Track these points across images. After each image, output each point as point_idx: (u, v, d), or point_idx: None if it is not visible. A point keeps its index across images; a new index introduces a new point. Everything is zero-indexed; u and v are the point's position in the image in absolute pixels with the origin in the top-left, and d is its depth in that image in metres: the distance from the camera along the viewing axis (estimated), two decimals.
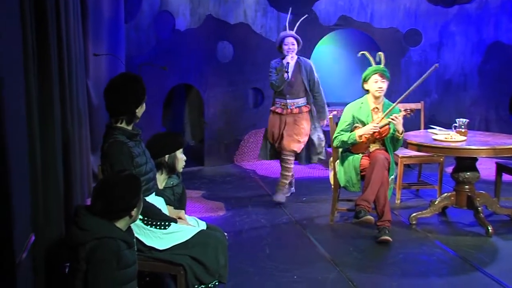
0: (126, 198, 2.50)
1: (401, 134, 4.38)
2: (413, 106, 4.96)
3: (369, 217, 4.28)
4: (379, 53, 4.56)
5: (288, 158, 5.28)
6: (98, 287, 2.39)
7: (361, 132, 4.40)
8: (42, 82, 2.73)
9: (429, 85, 7.32)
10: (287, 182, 5.36)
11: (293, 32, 5.19)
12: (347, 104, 4.65)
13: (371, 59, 4.54)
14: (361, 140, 4.41)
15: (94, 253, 2.40)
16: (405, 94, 4.40)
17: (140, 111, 2.98)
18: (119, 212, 2.51)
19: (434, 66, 4.43)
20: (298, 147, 5.29)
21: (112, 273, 2.41)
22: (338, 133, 4.50)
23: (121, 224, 2.52)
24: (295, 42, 5.15)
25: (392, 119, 4.31)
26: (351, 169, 4.46)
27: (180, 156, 3.39)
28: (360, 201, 4.32)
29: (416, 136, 4.77)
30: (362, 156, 4.47)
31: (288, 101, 5.22)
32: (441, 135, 4.62)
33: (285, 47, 5.14)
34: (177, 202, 3.41)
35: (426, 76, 4.43)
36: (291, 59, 5.10)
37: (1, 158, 1.87)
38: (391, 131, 4.42)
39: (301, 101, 5.24)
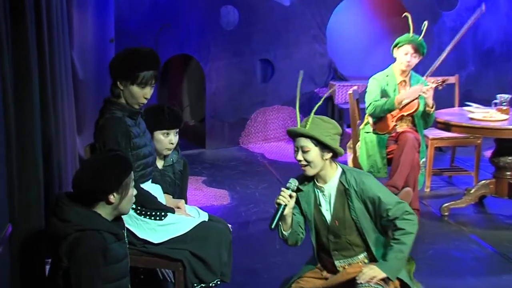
0: (104, 178, 2.45)
1: (432, 108, 4.37)
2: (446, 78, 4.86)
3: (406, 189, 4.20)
4: (425, 22, 4.51)
5: None
6: (82, 287, 2.39)
7: (403, 96, 4.35)
8: (17, 52, 2.71)
9: (465, 56, 7.23)
10: None
11: None
12: (369, 78, 4.62)
13: (411, 25, 4.48)
14: (399, 107, 4.36)
15: (76, 247, 2.39)
16: (442, 56, 4.36)
17: (125, 89, 2.90)
18: (93, 193, 2.46)
19: (479, 9, 4.33)
20: None
21: (96, 270, 2.40)
22: (374, 100, 4.45)
23: (103, 212, 2.50)
24: None
25: (424, 92, 4.29)
26: (376, 152, 4.45)
27: (160, 138, 3.25)
28: (388, 187, 4.30)
29: (449, 114, 4.73)
30: (389, 137, 4.45)
31: (336, 262, 2.85)
32: (478, 113, 4.58)
33: None
34: (179, 180, 3.40)
35: (468, 26, 4.35)
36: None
37: None
38: (420, 107, 4.40)
39: (361, 255, 2.84)
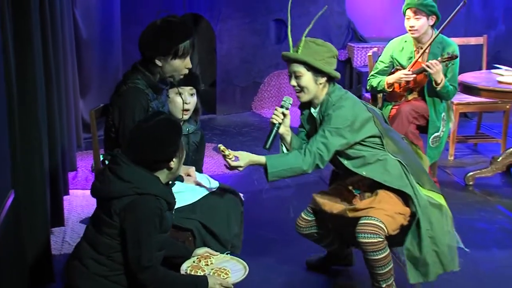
0: (164, 146, 2.49)
1: (439, 85, 4.17)
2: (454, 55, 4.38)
3: None
4: None
5: None
6: (143, 245, 2.40)
7: (391, 80, 4.34)
8: (17, 10, 2.71)
9: (494, 14, 7.10)
10: None
11: None
12: (390, 40, 4.57)
13: None
14: (390, 90, 4.34)
15: (134, 210, 2.41)
16: (444, 26, 4.20)
17: (165, 64, 2.89)
18: (156, 162, 2.49)
19: (462, 2, 4.17)
20: None
21: (154, 232, 2.43)
22: (372, 75, 4.47)
23: (162, 177, 2.54)
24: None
25: (428, 66, 4.13)
26: None
27: (174, 98, 3.23)
28: None
29: (476, 77, 4.67)
30: (393, 106, 4.42)
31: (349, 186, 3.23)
32: (508, 77, 4.53)
33: None
34: (194, 153, 3.40)
35: (454, 15, 4.23)
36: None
37: None
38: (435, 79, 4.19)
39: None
